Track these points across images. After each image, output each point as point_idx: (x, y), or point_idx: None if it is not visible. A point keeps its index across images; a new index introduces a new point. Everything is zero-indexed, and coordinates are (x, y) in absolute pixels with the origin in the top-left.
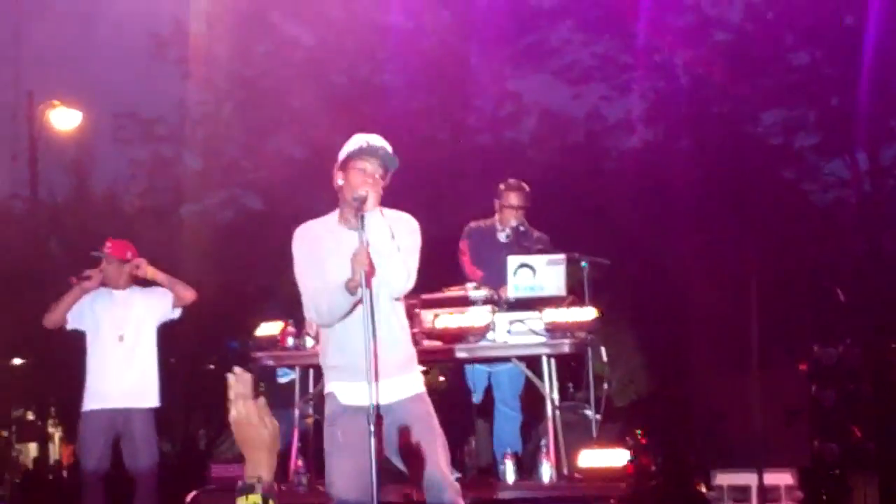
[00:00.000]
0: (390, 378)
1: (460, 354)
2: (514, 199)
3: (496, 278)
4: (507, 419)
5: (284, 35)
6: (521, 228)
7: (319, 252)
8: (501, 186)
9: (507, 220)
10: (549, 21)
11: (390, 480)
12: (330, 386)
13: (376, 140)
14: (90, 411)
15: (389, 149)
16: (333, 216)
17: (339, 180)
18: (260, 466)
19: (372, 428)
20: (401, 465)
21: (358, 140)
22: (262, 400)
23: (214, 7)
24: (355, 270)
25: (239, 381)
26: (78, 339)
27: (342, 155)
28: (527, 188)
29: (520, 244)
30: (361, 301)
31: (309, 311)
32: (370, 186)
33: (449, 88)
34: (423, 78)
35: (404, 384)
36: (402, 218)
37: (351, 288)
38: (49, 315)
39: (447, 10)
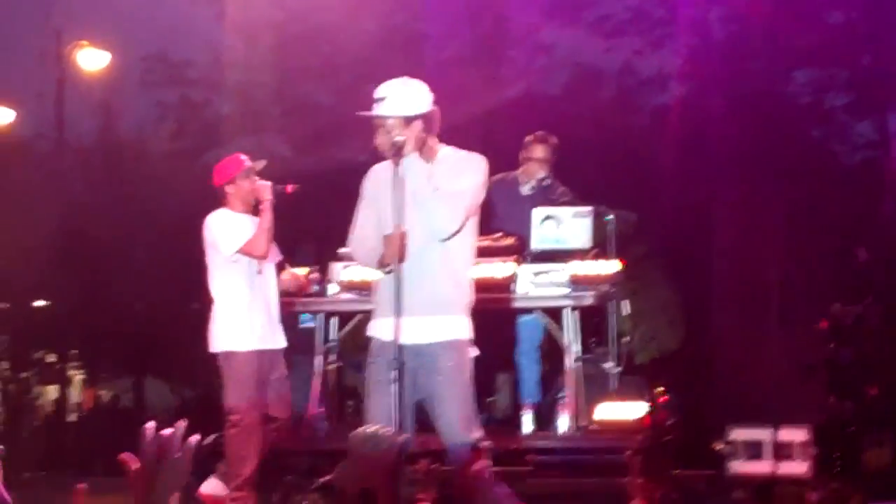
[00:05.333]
0: (422, 317)
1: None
2: (539, 151)
3: (518, 231)
4: (527, 370)
5: None
6: (546, 182)
7: (375, 193)
8: (527, 139)
9: (531, 173)
10: None
11: (417, 425)
12: (371, 322)
13: (380, 91)
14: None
15: (388, 99)
16: None
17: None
18: None
19: (393, 374)
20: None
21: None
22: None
23: None
24: (385, 255)
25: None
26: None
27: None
28: (554, 140)
29: (544, 197)
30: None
31: (350, 248)
32: (381, 139)
33: (483, 38)
34: (457, 27)
35: (437, 327)
36: (457, 157)
37: (382, 267)
38: (260, 244)
39: None
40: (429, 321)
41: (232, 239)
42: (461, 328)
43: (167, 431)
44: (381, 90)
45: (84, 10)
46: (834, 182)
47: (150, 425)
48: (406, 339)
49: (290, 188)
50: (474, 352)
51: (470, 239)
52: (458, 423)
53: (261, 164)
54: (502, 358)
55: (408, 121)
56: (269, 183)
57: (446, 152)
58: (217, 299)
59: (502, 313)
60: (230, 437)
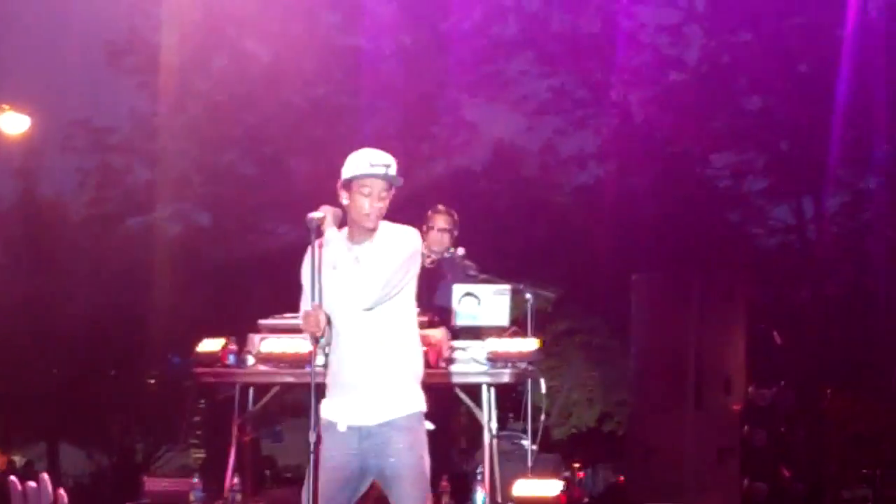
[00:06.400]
0: (368, 395)
1: None
2: (441, 221)
3: (433, 306)
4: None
5: (242, 50)
6: (447, 254)
7: (305, 270)
8: (429, 212)
9: (434, 245)
10: (509, 51)
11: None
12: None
13: (379, 158)
14: None
15: (393, 167)
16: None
17: (344, 199)
18: None
19: (311, 457)
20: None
21: (361, 158)
22: None
23: (171, 18)
24: (304, 331)
25: None
26: None
27: (346, 174)
28: (454, 215)
29: (444, 270)
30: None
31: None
32: (371, 208)
33: (404, 114)
34: (380, 102)
35: (385, 404)
36: (390, 230)
37: (316, 344)
38: None
39: (408, 36)
40: (375, 398)
41: None
42: (412, 401)
43: (32, 484)
44: (378, 157)
45: (5, 73)
46: (750, 266)
47: (14, 479)
48: (353, 419)
49: None
50: (428, 426)
51: (409, 310)
52: None
53: None
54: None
55: (390, 191)
56: None
57: (382, 226)
58: None
59: (430, 389)
60: None
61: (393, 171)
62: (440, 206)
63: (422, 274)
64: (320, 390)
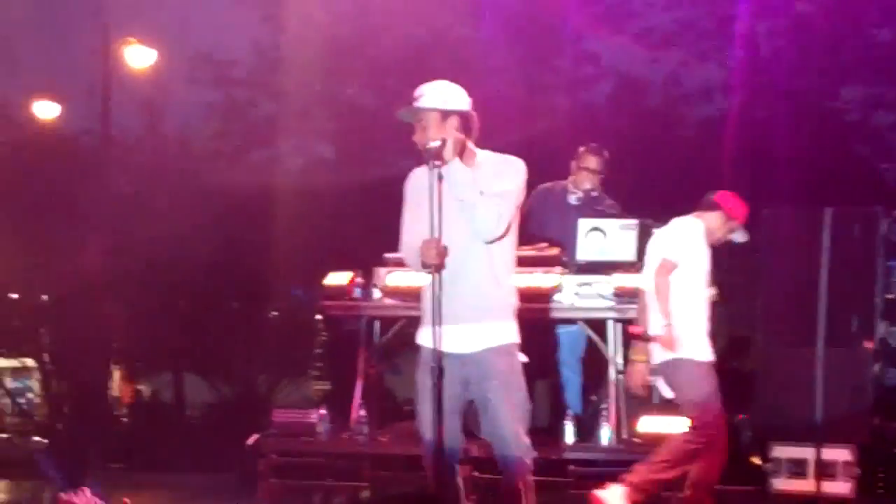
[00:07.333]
0: (468, 325)
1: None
2: (592, 161)
3: (563, 241)
4: (569, 381)
5: None
6: (594, 193)
7: (417, 199)
8: (581, 149)
9: (581, 183)
10: None
11: (467, 431)
12: (418, 330)
13: (418, 90)
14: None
15: (426, 96)
16: None
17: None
18: None
19: (429, 382)
20: (478, 418)
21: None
22: None
23: None
24: (423, 262)
25: None
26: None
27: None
28: (607, 154)
29: (591, 208)
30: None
31: (401, 254)
32: (419, 135)
33: (528, 45)
34: (503, 33)
35: (486, 333)
36: (497, 160)
37: (426, 270)
38: None
39: None
40: (475, 328)
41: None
42: (509, 333)
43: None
44: (420, 89)
45: (133, 6)
46: (880, 200)
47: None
48: (453, 347)
49: None
50: (523, 358)
51: (512, 242)
52: (511, 430)
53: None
54: (544, 367)
55: (444, 116)
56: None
57: (485, 156)
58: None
59: (545, 323)
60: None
61: (420, 102)
62: (593, 145)
63: (569, 210)
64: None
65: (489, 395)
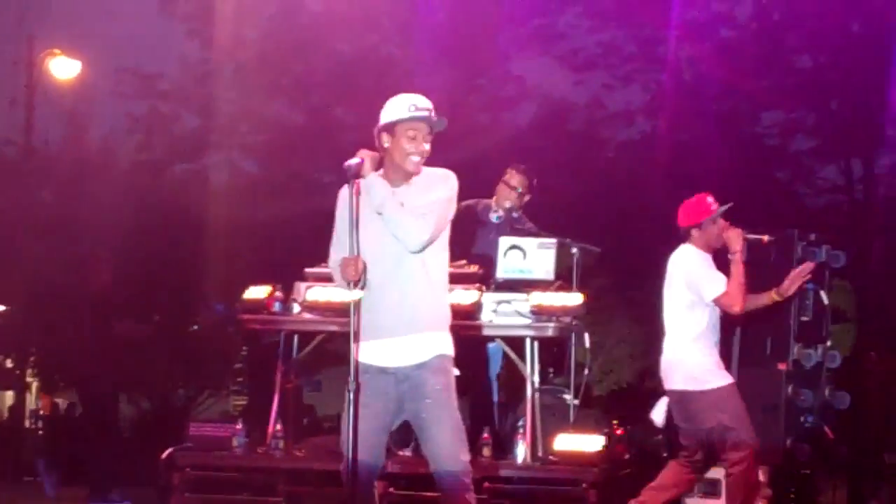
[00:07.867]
0: (404, 338)
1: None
2: (515, 179)
3: (483, 257)
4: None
5: None
6: (514, 214)
7: (344, 215)
8: (509, 168)
9: (503, 201)
10: (559, 5)
11: (400, 447)
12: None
13: (422, 103)
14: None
15: (434, 112)
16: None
17: (385, 142)
18: None
19: (351, 395)
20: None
21: (404, 102)
22: None
23: None
24: (342, 277)
25: None
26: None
27: (389, 117)
28: (533, 177)
29: (511, 226)
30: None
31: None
32: (417, 151)
33: (454, 65)
34: (429, 53)
35: (421, 344)
36: (429, 173)
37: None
38: (737, 298)
39: None
40: (410, 340)
41: (716, 286)
42: (444, 344)
43: None
44: (421, 101)
45: (58, 18)
46: (798, 225)
47: None
48: (389, 362)
49: (766, 239)
50: (456, 372)
51: (444, 255)
52: (449, 447)
53: (727, 206)
54: (464, 384)
55: (431, 135)
56: (739, 231)
57: (422, 171)
58: (684, 336)
59: (464, 340)
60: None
61: (435, 115)
62: (521, 166)
63: (489, 228)
64: (358, 337)
65: (424, 414)
